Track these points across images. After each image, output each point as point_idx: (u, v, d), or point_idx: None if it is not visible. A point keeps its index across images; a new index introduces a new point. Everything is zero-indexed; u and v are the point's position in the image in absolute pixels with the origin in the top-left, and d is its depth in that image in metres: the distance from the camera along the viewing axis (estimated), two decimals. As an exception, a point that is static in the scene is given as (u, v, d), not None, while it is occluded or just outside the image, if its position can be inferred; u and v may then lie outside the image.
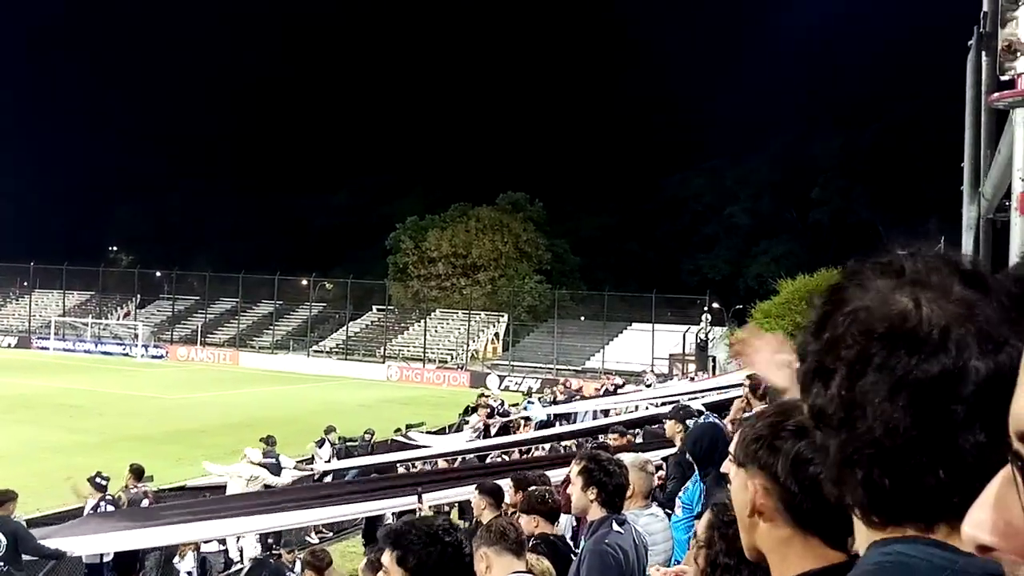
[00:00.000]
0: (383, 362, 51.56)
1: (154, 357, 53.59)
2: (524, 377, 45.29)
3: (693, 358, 42.34)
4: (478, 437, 16.66)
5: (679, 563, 4.20)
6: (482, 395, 24.04)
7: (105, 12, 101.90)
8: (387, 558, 2.65)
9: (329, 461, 15.01)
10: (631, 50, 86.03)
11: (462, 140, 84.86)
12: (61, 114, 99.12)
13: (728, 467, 1.48)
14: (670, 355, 44.65)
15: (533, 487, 5.70)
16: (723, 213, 67.73)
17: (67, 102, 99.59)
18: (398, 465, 12.41)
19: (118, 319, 62.44)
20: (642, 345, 47.32)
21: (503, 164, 75.38)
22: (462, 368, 50.12)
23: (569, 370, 46.39)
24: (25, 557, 8.86)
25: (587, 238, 68.63)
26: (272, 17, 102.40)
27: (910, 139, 57.95)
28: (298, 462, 14.58)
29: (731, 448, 1.49)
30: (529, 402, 25.01)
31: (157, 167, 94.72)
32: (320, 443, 15.96)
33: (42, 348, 55.62)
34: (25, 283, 69.52)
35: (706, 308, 45.35)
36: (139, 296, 66.25)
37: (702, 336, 42.01)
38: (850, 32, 75.54)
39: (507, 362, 50.97)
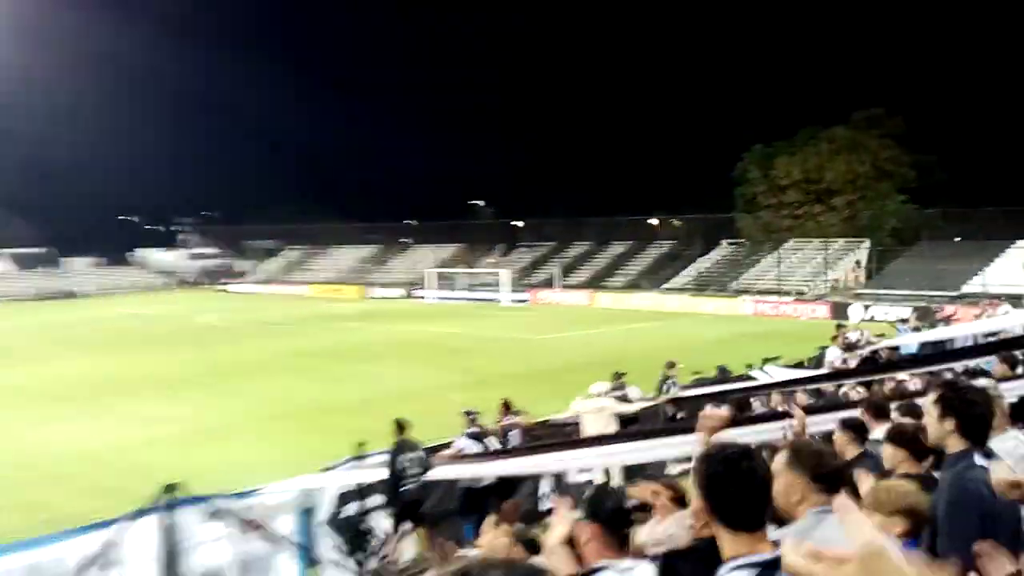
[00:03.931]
0: (736, 296, 50.76)
1: (518, 301, 57.22)
2: (891, 306, 42.29)
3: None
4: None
5: None
6: (840, 326, 22.76)
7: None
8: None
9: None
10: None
11: (807, 58, 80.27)
12: (442, 94, 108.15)
13: None
14: (1064, 273, 39.43)
15: (908, 419, 5.40)
16: None
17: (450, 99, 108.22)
18: (750, 398, 12.23)
19: (485, 268, 67.26)
20: (1030, 265, 42.19)
21: (854, 79, 70.34)
22: (821, 299, 47.97)
23: (943, 296, 42.55)
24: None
25: (957, 151, 62.01)
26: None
27: None
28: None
29: None
30: (900, 330, 23.34)
31: (512, 126, 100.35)
32: (665, 383, 15.98)
33: (421, 298, 61.62)
34: (406, 240, 77.52)
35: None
36: (503, 245, 70.97)
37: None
38: None
39: (871, 291, 47.93)
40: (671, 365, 16.68)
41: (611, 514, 3.95)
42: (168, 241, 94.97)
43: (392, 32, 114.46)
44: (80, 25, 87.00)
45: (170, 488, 7.97)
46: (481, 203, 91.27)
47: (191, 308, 56.45)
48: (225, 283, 77.03)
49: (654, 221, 67.99)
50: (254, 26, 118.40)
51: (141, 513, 7.81)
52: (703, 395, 12.98)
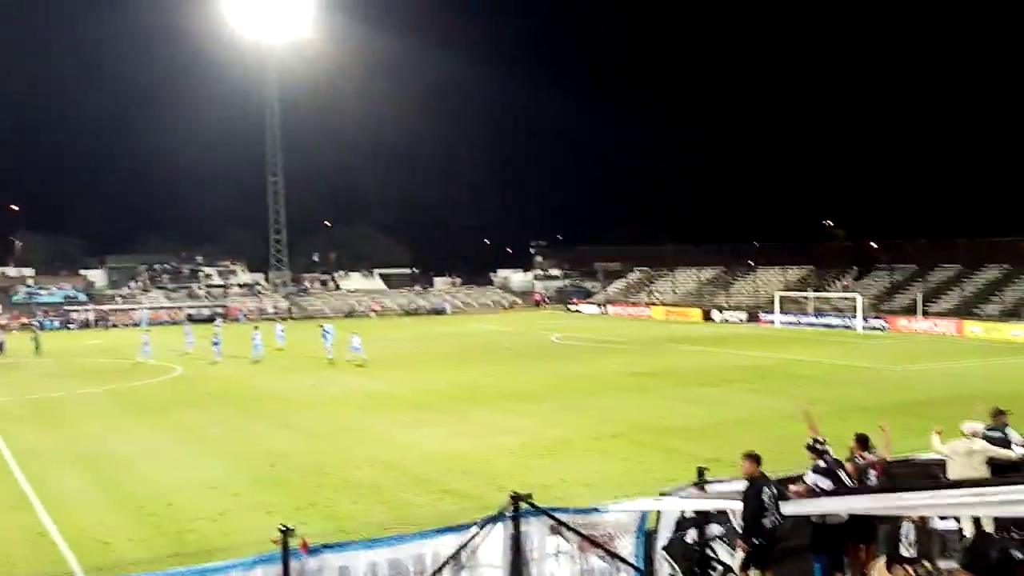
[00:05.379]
0: None
1: (874, 328, 53.53)
2: None
3: None
4: None
5: None
6: None
7: None
8: None
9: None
10: None
11: None
12: (784, 112, 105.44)
13: None
14: None
15: None
16: None
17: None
18: None
19: (837, 292, 63.72)
20: None
21: None
22: None
23: None
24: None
25: None
26: None
27: None
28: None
29: None
30: None
31: (866, 139, 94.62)
32: None
33: (768, 322, 59.64)
34: (751, 262, 75.69)
35: None
36: (856, 268, 66.90)
37: None
38: None
39: None
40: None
41: (996, 565, 3.41)
42: (522, 263, 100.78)
43: (732, 57, 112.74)
44: (441, 74, 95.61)
45: (518, 498, 8.25)
46: (831, 223, 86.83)
47: (541, 326, 59.20)
48: (573, 303, 79.98)
49: (1032, 243, 60.67)
50: (593, 67, 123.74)
51: (491, 520, 8.15)
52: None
